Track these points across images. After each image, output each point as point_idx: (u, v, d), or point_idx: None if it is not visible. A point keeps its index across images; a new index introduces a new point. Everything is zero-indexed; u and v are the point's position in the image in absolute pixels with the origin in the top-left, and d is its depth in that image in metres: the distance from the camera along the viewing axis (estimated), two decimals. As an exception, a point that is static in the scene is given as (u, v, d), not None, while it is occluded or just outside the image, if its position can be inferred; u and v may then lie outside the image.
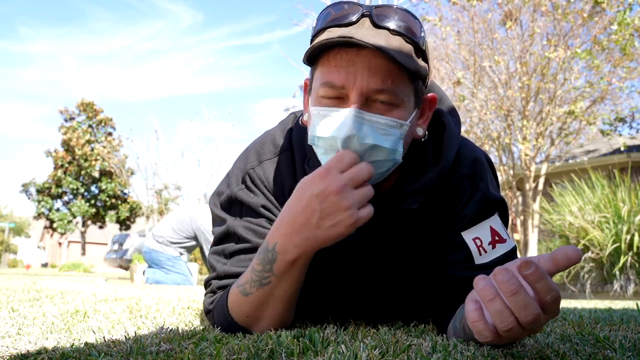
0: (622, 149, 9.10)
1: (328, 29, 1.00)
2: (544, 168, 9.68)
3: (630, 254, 5.91)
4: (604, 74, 8.42)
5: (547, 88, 8.88)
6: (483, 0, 9.16)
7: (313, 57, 1.02)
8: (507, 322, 0.72)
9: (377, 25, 0.98)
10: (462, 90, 9.46)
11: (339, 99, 0.99)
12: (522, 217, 9.45)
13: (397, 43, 0.97)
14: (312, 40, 1.05)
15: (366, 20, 0.98)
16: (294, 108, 11.86)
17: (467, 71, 9.58)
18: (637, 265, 5.91)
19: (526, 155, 8.90)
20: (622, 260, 5.94)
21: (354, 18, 0.98)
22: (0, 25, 68.79)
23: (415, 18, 1.03)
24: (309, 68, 1.07)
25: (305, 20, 11.09)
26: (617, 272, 6.04)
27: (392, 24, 0.98)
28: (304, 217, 0.92)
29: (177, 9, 73.73)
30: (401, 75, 0.98)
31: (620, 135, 9.60)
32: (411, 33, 1.00)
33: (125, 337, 1.00)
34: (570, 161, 12.09)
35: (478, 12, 9.43)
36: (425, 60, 1.04)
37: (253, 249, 1.10)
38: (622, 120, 9.38)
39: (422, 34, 1.03)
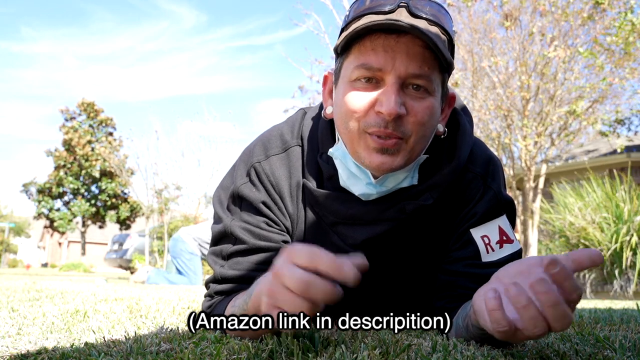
0: (619, 150, 9.07)
1: (364, 17, 1.00)
2: (544, 168, 9.67)
3: (631, 254, 5.91)
4: (605, 74, 8.40)
5: (547, 88, 8.87)
6: (479, 0, 9.16)
7: (349, 44, 1.02)
8: (540, 328, 0.70)
9: (414, 15, 0.98)
10: (462, 90, 9.45)
11: (373, 84, 1.00)
12: (522, 217, 9.44)
13: (435, 32, 0.98)
14: (343, 29, 1.04)
15: (403, 10, 0.98)
16: (293, 109, 11.82)
17: (466, 72, 9.57)
18: (637, 265, 5.91)
19: (528, 151, 8.87)
20: (622, 260, 5.94)
21: (391, 7, 0.98)
22: (3, 26, 68.90)
23: (448, 13, 1.05)
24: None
25: (306, 20, 11.08)
26: (617, 272, 6.04)
27: (428, 15, 0.99)
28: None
29: (180, 10, 73.88)
30: (436, 65, 0.99)
31: (619, 136, 9.57)
32: (446, 25, 1.02)
33: (125, 337, 1.00)
34: (570, 161, 12.09)
35: (476, 12, 9.42)
36: (452, 55, 1.05)
37: (250, 251, 1.09)
38: (621, 122, 9.35)
39: (453, 29, 1.05)
